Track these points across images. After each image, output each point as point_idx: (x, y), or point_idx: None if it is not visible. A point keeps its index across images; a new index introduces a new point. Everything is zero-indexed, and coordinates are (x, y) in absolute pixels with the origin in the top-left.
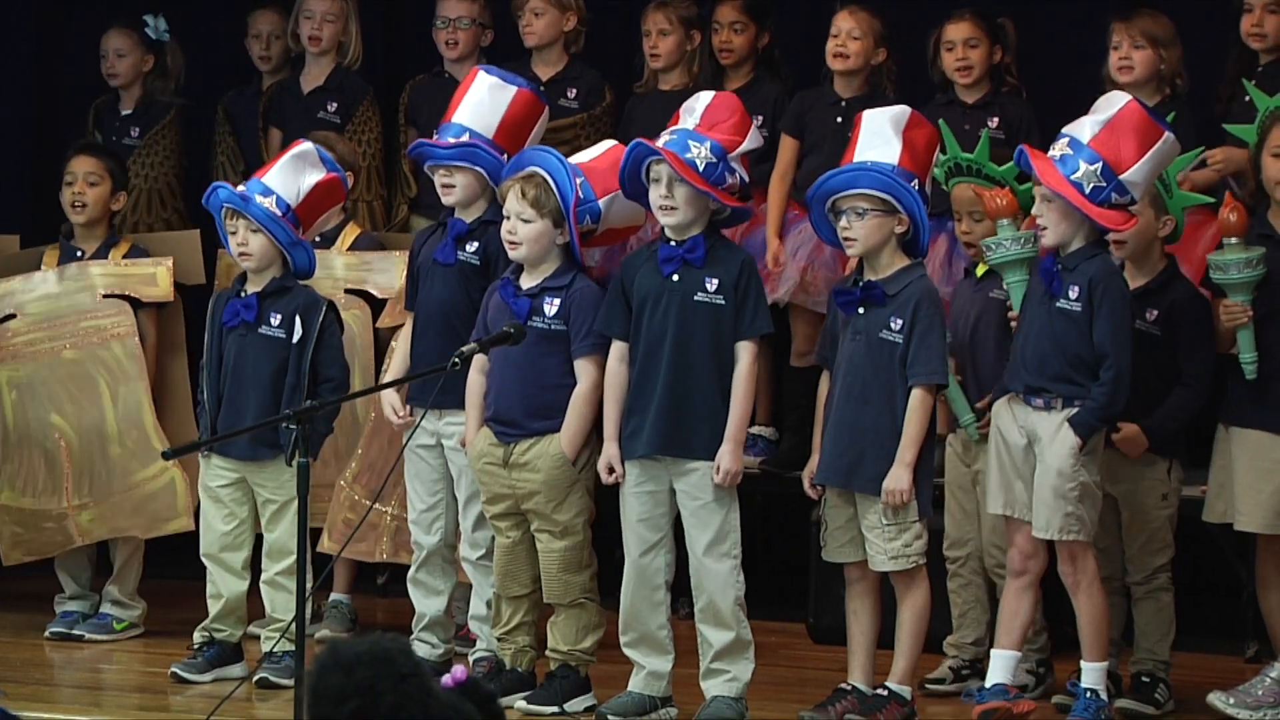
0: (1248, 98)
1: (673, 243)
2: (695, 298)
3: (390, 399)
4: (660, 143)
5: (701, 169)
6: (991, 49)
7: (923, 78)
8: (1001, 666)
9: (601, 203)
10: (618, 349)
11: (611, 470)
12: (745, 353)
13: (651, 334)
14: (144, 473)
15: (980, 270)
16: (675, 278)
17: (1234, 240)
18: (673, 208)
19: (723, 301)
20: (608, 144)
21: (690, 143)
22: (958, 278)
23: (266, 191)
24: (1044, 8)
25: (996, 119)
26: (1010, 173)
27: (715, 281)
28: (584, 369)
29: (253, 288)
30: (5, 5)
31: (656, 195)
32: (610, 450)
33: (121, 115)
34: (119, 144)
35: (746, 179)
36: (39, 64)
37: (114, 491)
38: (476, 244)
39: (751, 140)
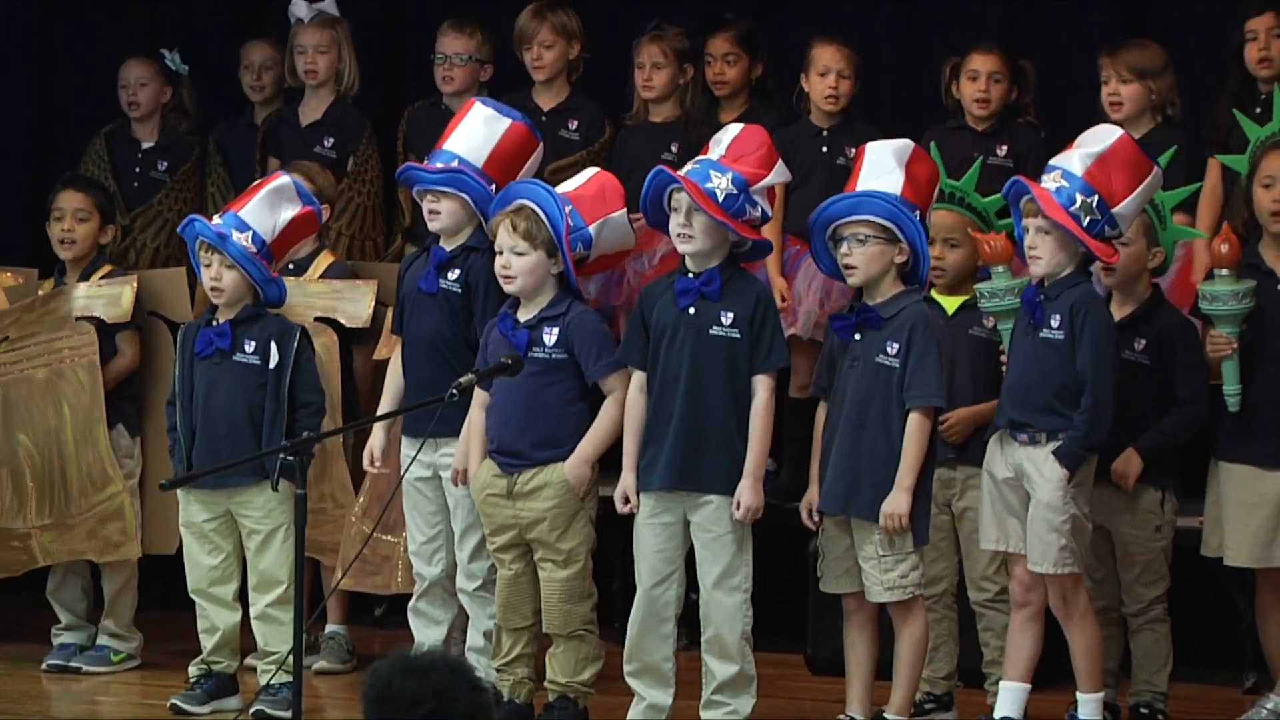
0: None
1: (690, 275)
2: (710, 331)
3: (375, 443)
4: (682, 171)
5: (721, 200)
6: (1010, 87)
7: (914, 106)
8: (1009, 699)
9: (591, 229)
10: (638, 379)
11: (627, 500)
12: (762, 386)
13: (668, 366)
14: (98, 496)
15: (949, 304)
16: (691, 310)
17: (1225, 272)
18: (690, 236)
19: (738, 335)
20: (590, 171)
21: (712, 173)
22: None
23: (243, 227)
24: (1048, 41)
25: (1006, 147)
26: (994, 205)
27: (730, 315)
28: (610, 386)
29: (225, 316)
30: (4, 36)
31: (675, 224)
32: (627, 480)
33: (144, 147)
34: (144, 176)
35: (769, 213)
36: (38, 95)
37: (71, 514)
38: (458, 271)
39: (777, 174)
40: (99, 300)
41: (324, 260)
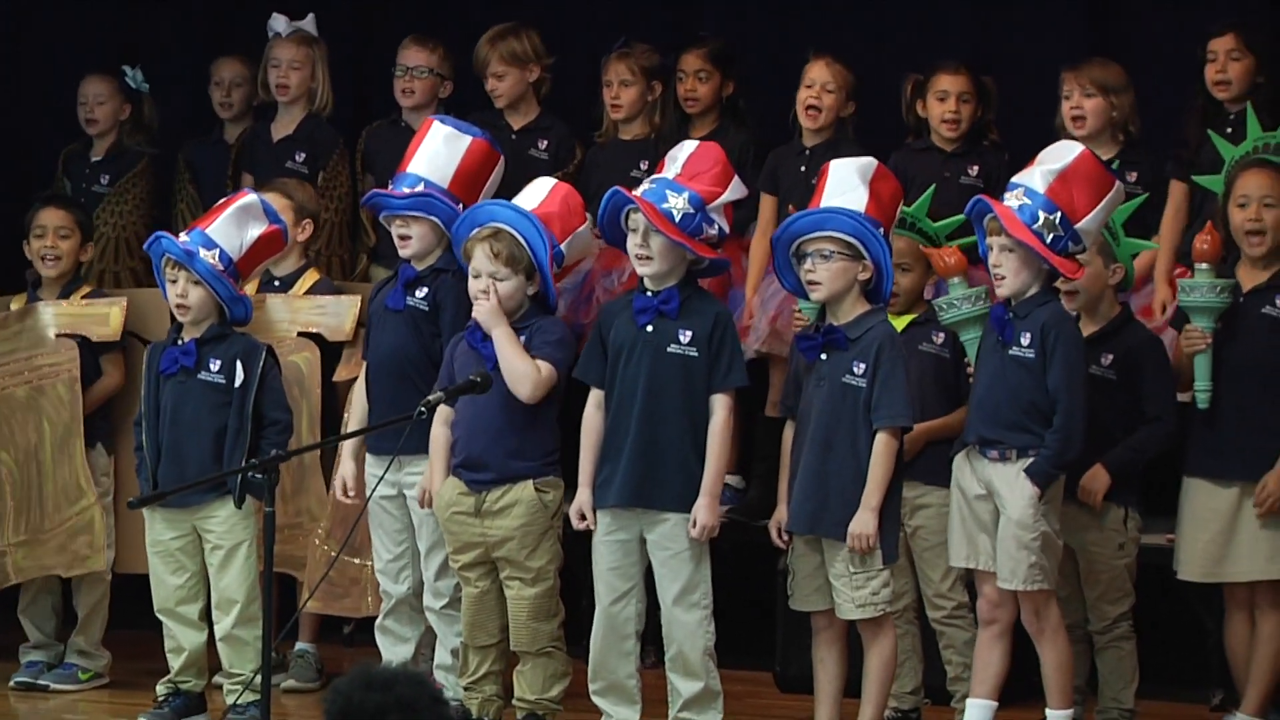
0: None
1: (649, 293)
2: (668, 349)
3: (346, 473)
4: (638, 192)
5: (678, 219)
6: (977, 106)
7: (886, 126)
8: (977, 716)
9: (563, 246)
10: (594, 396)
11: (583, 517)
12: (720, 406)
13: (625, 384)
14: (70, 510)
15: (899, 323)
16: (649, 328)
17: (1205, 266)
18: (648, 257)
19: (695, 354)
20: (548, 183)
21: (668, 192)
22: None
23: (209, 244)
24: (1016, 61)
25: (977, 167)
26: (945, 229)
27: (689, 333)
28: (542, 364)
29: (190, 335)
30: None
31: (633, 244)
32: (583, 496)
33: (91, 162)
34: (88, 191)
35: (727, 230)
36: (5, 113)
37: (45, 529)
38: (426, 289)
39: (734, 191)
40: (86, 319)
41: (310, 277)
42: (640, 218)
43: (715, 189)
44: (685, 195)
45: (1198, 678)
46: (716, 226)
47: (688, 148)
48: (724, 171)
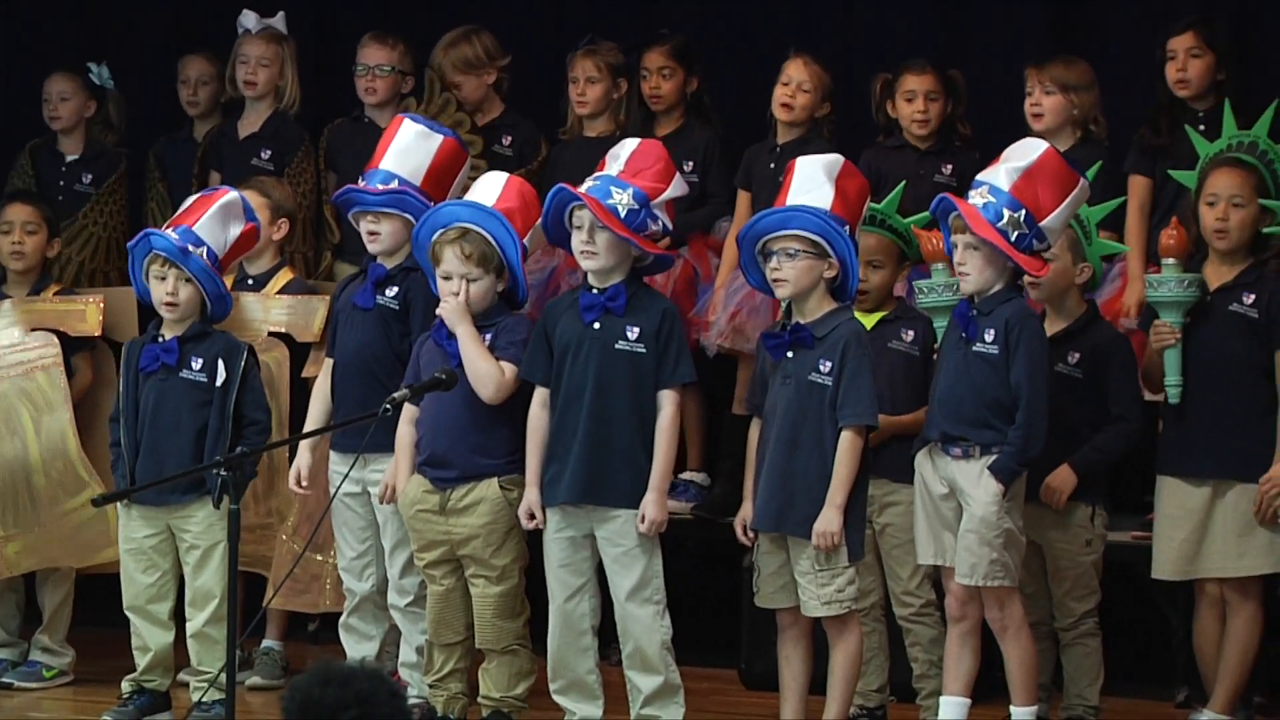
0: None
1: (594, 290)
2: (616, 346)
3: (301, 464)
4: (583, 188)
5: (623, 215)
6: (946, 102)
7: (856, 124)
8: (951, 715)
9: (526, 240)
10: (539, 395)
11: (532, 516)
12: (667, 401)
13: (572, 381)
14: (72, 502)
15: (868, 320)
16: (596, 325)
17: (1172, 261)
18: (594, 253)
19: (643, 350)
20: (500, 178)
21: (612, 189)
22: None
23: (198, 242)
24: (992, 58)
25: (950, 165)
26: (915, 225)
27: (636, 329)
28: (506, 365)
29: (171, 332)
30: None
31: (578, 241)
32: (531, 496)
33: (68, 160)
34: (68, 189)
35: (670, 226)
36: None
37: (41, 522)
38: (396, 289)
39: (676, 188)
40: (64, 315)
41: (283, 276)
42: (586, 214)
43: (658, 185)
44: (629, 191)
45: (1163, 675)
46: (660, 223)
47: (630, 145)
48: (666, 169)
